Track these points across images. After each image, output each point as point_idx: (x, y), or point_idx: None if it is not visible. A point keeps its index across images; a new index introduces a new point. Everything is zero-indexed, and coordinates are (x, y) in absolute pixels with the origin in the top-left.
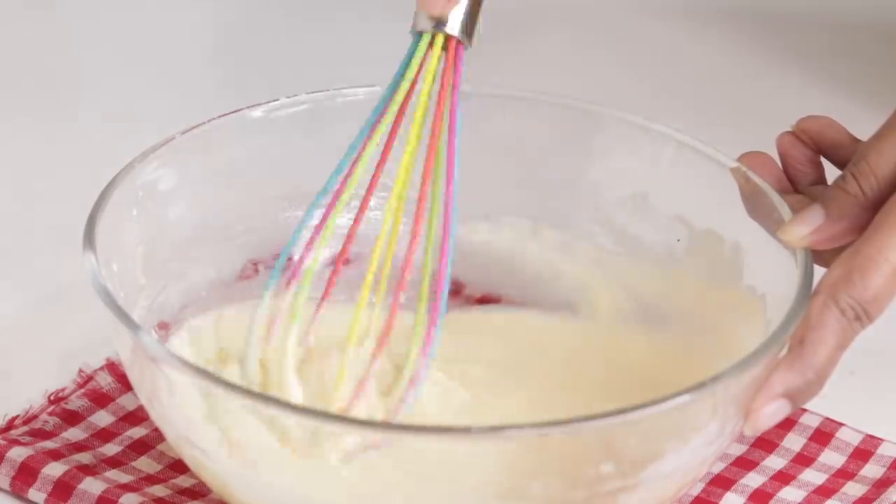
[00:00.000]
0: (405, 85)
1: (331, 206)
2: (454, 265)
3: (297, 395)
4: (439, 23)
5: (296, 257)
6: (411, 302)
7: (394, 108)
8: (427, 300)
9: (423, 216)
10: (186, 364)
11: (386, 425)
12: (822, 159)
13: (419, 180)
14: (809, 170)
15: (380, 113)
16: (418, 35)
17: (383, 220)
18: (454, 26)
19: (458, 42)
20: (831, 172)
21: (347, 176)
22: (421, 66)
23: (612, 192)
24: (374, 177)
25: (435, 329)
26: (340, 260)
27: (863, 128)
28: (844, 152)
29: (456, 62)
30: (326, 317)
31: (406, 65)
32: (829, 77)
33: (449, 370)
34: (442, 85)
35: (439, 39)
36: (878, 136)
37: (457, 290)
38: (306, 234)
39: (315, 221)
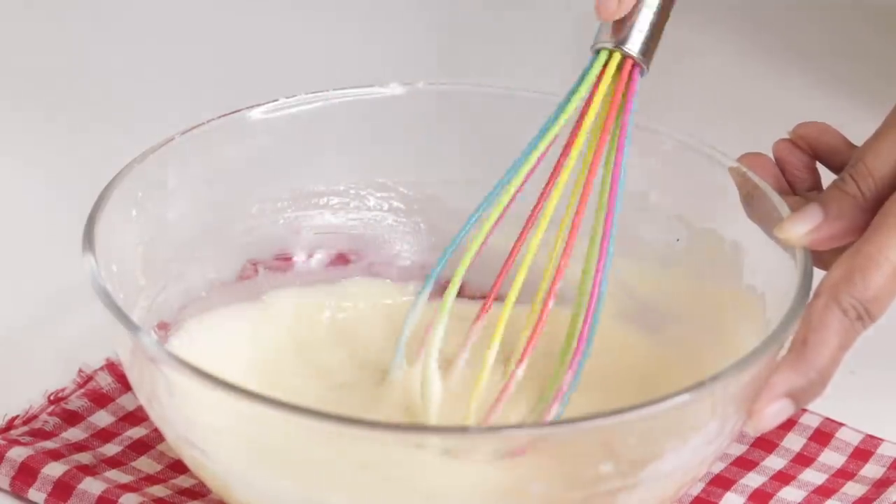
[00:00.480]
0: (574, 102)
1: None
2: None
3: (436, 389)
4: (619, 42)
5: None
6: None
7: (557, 128)
8: (578, 324)
9: (574, 236)
10: (186, 364)
11: (386, 426)
12: (819, 165)
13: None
14: (806, 175)
15: (544, 132)
16: (596, 53)
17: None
18: (633, 46)
19: (635, 64)
20: (827, 179)
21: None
22: (596, 84)
23: None
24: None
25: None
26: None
27: (863, 128)
28: (841, 157)
29: (630, 83)
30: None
31: (578, 82)
32: (829, 77)
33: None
34: (611, 103)
35: (615, 59)
36: (876, 138)
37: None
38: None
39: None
